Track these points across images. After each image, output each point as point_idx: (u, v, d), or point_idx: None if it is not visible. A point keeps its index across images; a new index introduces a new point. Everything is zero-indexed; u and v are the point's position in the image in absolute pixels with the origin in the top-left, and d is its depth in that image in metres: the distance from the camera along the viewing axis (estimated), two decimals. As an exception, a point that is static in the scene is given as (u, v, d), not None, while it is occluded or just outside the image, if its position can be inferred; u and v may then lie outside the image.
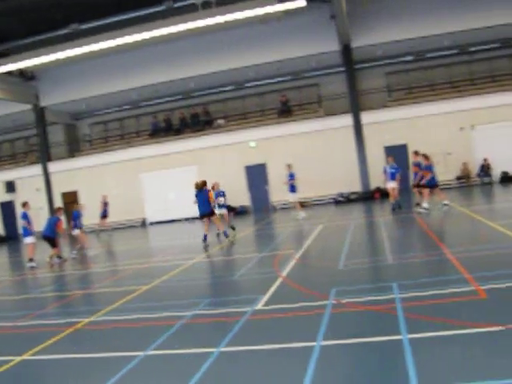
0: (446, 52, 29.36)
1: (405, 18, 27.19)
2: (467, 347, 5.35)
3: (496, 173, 27.33)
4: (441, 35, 27.46)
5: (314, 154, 27.71)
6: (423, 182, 17.81)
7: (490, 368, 4.75)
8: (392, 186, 19.57)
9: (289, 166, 21.42)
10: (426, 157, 17.80)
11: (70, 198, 31.23)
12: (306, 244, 14.06)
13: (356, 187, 27.93)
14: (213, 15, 23.80)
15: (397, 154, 26.16)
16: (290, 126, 28.89)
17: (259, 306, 7.90)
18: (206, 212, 16.31)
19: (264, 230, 20.54)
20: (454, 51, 29.23)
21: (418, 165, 18.74)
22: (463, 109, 27.50)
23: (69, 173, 32.43)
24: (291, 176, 21.23)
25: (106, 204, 26.87)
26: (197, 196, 16.32)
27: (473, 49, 29.19)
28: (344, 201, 27.53)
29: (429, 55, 29.34)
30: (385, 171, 19.97)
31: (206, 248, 15.55)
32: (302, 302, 7.86)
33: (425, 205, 17.62)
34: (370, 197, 27.10)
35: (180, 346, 6.46)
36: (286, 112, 30.18)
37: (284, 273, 10.22)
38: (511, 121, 26.78)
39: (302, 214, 21.53)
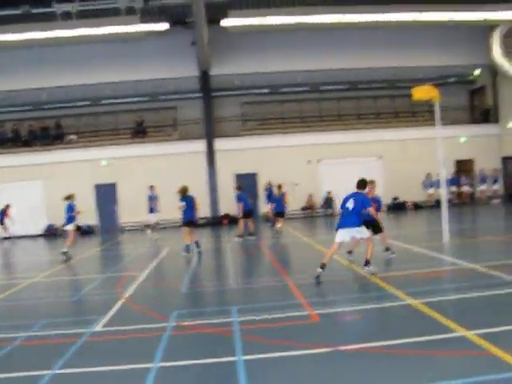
0: (298, 88, 30.87)
1: (263, 52, 28.44)
2: (300, 367, 5.67)
3: (338, 205, 29.02)
4: (295, 72, 29.11)
5: (167, 177, 27.54)
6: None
7: None
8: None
9: (151, 188, 21.27)
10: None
11: None
12: (152, 266, 13.96)
13: (205, 212, 28.21)
14: (72, 27, 23.25)
15: (248, 181, 27.15)
16: (144, 148, 28.59)
17: (98, 328, 7.74)
18: (193, 219, 15.95)
19: (111, 250, 20.10)
20: (306, 88, 30.83)
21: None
22: (311, 143, 29.09)
23: None
24: (151, 197, 21.08)
25: None
26: (184, 201, 15.77)
27: (323, 88, 30.98)
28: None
29: (283, 90, 30.64)
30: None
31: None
32: (142, 323, 7.81)
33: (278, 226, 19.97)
34: (219, 222, 27.49)
35: (10, 370, 6.14)
36: (140, 133, 29.87)
37: (127, 294, 10.09)
38: (354, 157, 28.79)
39: (155, 235, 21.35)
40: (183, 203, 15.71)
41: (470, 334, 6.28)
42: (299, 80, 30.24)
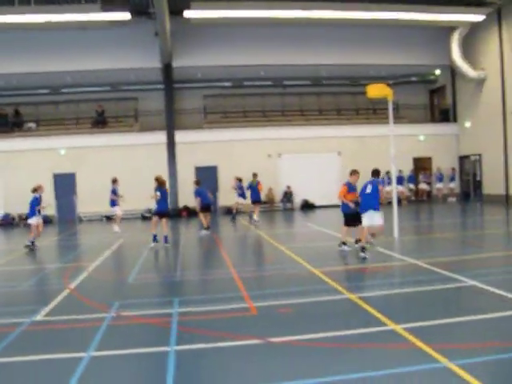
0: (261, 82, 30.98)
1: (227, 46, 28.40)
2: (228, 358, 5.81)
3: (298, 200, 29.39)
4: (258, 66, 29.20)
5: (127, 168, 27.37)
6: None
7: (249, 377, 5.26)
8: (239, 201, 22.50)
9: (113, 181, 20.68)
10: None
11: None
12: (103, 257, 13.92)
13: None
14: (31, 12, 22.89)
15: (208, 174, 27.22)
16: (104, 138, 28.30)
17: (39, 317, 7.73)
18: (167, 210, 16.13)
19: (66, 241, 19.94)
20: (269, 83, 30.97)
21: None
22: (272, 137, 29.27)
23: None
24: (114, 191, 20.67)
25: None
26: (159, 191, 15.61)
27: (286, 82, 31.17)
28: (150, 216, 27.52)
29: (245, 83, 30.71)
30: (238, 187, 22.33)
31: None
32: (83, 313, 7.86)
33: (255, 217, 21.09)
34: (178, 214, 27.45)
35: None
36: (101, 123, 29.62)
37: (73, 285, 10.07)
38: (314, 152, 29.14)
39: (116, 227, 20.86)
40: (158, 193, 15.63)
41: (399, 328, 6.49)
42: (262, 74, 30.40)
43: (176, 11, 24.81)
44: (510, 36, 25.54)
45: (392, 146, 15.56)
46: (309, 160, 29.20)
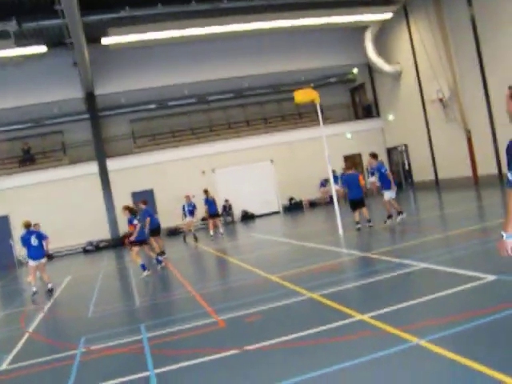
0: (186, 101, 31.09)
1: (148, 68, 28.44)
2: (209, 372, 5.91)
3: (237, 212, 29.61)
4: (180, 85, 29.34)
5: (61, 203, 26.87)
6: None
7: None
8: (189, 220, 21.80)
9: (34, 225, 19.76)
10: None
11: None
12: (55, 296, 13.65)
13: (105, 235, 27.79)
14: None
15: (145, 198, 26.94)
16: (34, 175, 27.62)
17: (4, 366, 7.55)
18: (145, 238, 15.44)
19: (9, 285, 19.37)
20: (194, 100, 31.12)
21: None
22: (204, 154, 29.44)
23: None
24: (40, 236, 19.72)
25: None
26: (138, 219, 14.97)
27: (210, 98, 31.41)
28: (93, 249, 27.15)
29: (170, 103, 30.74)
30: (183, 208, 21.78)
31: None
32: (50, 355, 7.73)
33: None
34: (120, 243, 27.05)
35: None
36: (28, 160, 28.92)
37: (31, 328, 9.87)
38: (247, 163, 29.48)
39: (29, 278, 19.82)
40: (135, 222, 14.61)
41: (366, 317, 6.78)
42: (186, 92, 30.51)
43: (93, 39, 24.55)
44: (419, 29, 26.74)
45: (326, 146, 16.05)
46: (243, 171, 29.52)
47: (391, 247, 11.88)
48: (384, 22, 29.03)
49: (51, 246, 16.97)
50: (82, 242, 27.17)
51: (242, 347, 6.47)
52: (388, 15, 27.75)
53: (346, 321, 6.88)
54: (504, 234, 3.77)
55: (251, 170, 29.71)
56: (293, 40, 29.97)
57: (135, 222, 14.60)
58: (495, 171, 23.66)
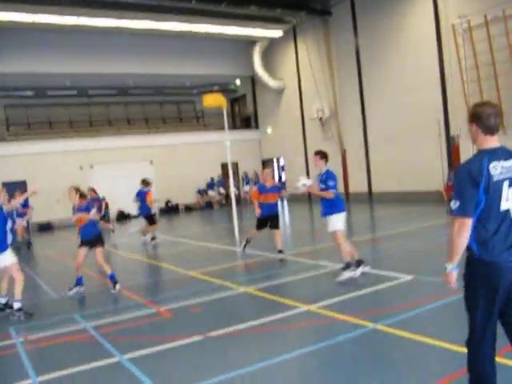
0: (66, 92, 29.88)
1: (28, 52, 26.46)
2: (185, 357, 6.00)
3: (113, 211, 28.82)
4: (63, 75, 27.95)
5: None
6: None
7: (198, 371, 5.51)
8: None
9: None
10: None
11: None
12: None
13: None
14: None
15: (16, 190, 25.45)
16: None
17: None
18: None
19: None
20: (74, 92, 30.00)
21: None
22: (82, 148, 28.31)
23: None
24: None
25: None
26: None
27: (91, 92, 30.45)
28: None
29: (50, 93, 29.33)
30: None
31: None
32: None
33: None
34: None
35: None
36: None
37: None
38: (126, 162, 28.87)
39: None
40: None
41: (313, 307, 7.30)
42: (68, 83, 29.31)
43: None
44: (307, 50, 28.04)
45: (228, 152, 16.39)
46: (122, 170, 28.82)
47: (307, 248, 12.42)
48: (273, 39, 30.06)
49: None
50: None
51: (203, 334, 6.58)
52: (278, 33, 28.80)
53: (294, 311, 7.32)
54: (448, 266, 3.70)
55: (130, 170, 29.04)
56: (184, 45, 29.85)
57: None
58: (365, 189, 25.48)
